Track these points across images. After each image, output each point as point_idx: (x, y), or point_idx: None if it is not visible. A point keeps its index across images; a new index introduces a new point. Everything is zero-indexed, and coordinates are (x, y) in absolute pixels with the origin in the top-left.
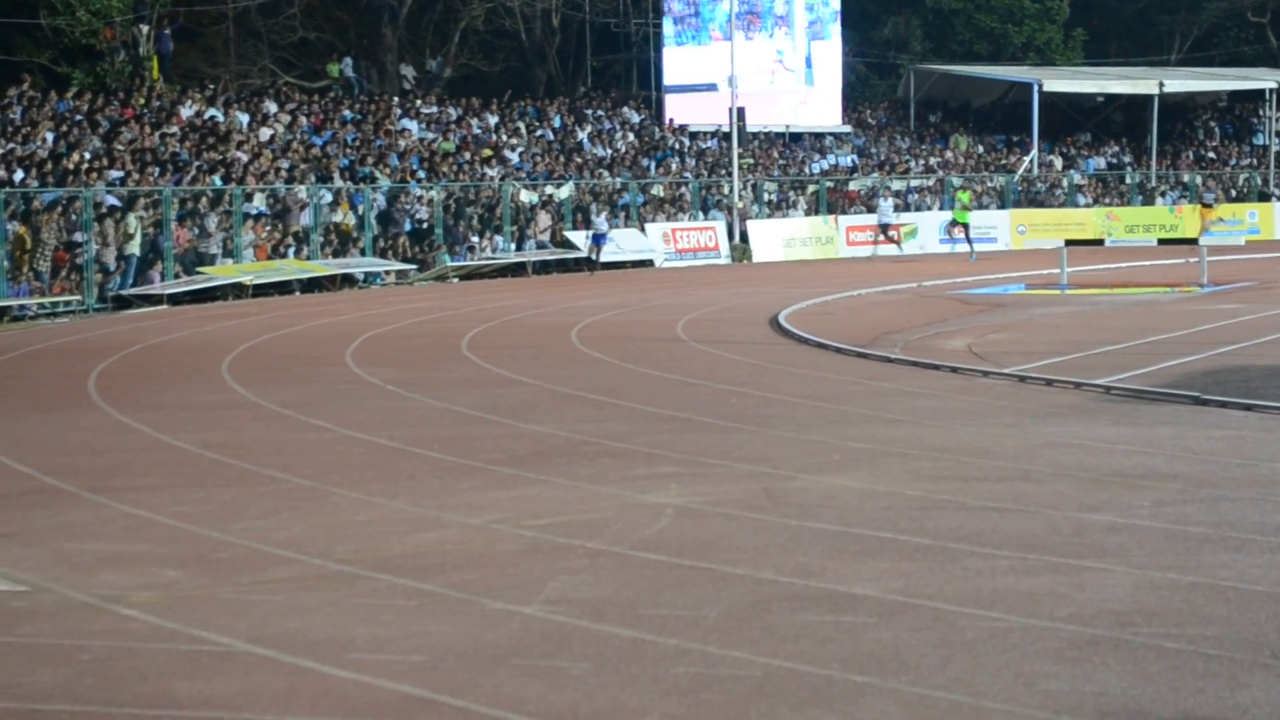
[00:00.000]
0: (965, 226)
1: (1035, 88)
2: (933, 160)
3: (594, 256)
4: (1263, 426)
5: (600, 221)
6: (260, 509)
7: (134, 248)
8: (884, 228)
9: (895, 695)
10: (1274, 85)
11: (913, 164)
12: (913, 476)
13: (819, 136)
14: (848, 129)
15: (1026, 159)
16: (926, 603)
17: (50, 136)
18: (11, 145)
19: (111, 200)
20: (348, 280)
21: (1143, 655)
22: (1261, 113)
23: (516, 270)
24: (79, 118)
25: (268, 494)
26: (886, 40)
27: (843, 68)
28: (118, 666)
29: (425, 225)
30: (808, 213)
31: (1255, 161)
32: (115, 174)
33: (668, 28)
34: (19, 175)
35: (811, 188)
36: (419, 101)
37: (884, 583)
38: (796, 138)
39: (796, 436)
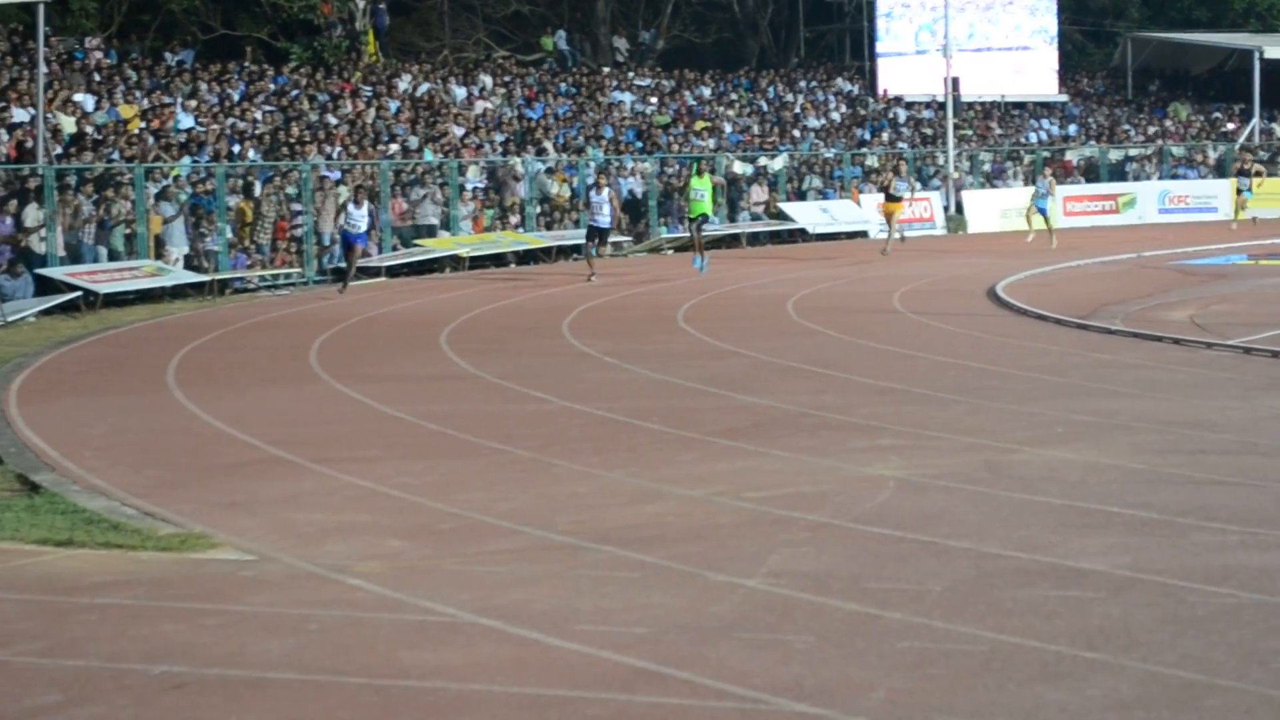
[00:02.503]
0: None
1: (1256, 55)
2: (1151, 129)
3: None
4: None
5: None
6: (482, 480)
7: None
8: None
9: (1125, 672)
10: None
11: (1131, 132)
12: (1137, 450)
13: (1036, 106)
14: (1064, 98)
15: (1247, 128)
16: (1155, 578)
17: (269, 111)
18: (231, 120)
19: (329, 173)
20: (562, 252)
21: None
22: None
23: (730, 242)
24: (296, 92)
25: (489, 465)
26: (1103, 8)
27: (1059, 36)
28: (345, 636)
29: (639, 197)
30: (1025, 183)
31: None
32: (332, 148)
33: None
34: (237, 149)
35: (1028, 157)
36: (632, 74)
37: (1111, 557)
38: (1013, 107)
39: (1017, 409)
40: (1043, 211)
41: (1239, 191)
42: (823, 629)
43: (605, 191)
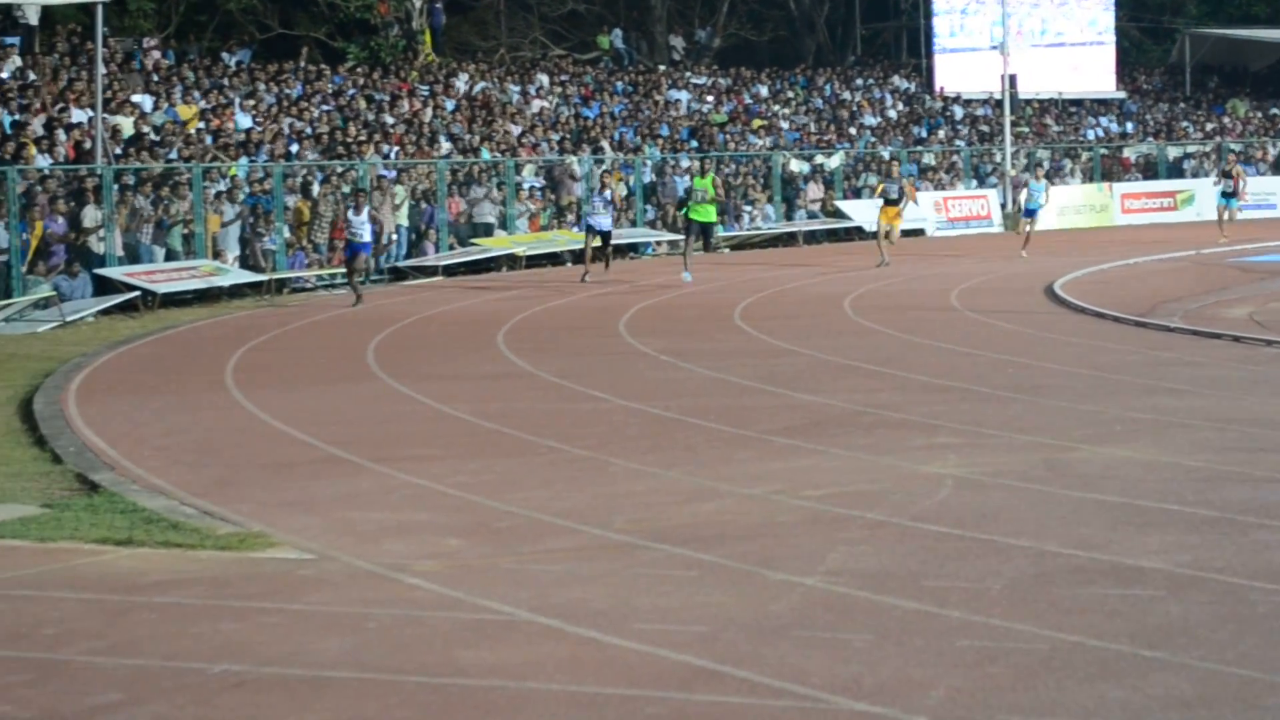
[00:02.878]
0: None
1: None
2: (1209, 126)
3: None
4: None
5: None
6: (539, 479)
7: (402, 218)
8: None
9: (1186, 670)
10: None
11: (1189, 129)
12: (1196, 447)
13: (1093, 103)
14: (1122, 95)
15: None
16: (1216, 576)
17: (326, 110)
18: (290, 119)
19: (386, 173)
20: (618, 251)
21: None
22: None
23: (786, 240)
24: (353, 92)
25: (546, 464)
26: (1161, 4)
27: (1116, 33)
28: (403, 634)
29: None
30: (1082, 180)
31: None
32: (389, 148)
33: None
34: (295, 148)
35: (1085, 154)
36: (688, 72)
37: (1171, 555)
38: (1071, 104)
39: (1075, 407)
40: (1032, 214)
41: (1225, 196)
42: (881, 627)
43: (608, 192)
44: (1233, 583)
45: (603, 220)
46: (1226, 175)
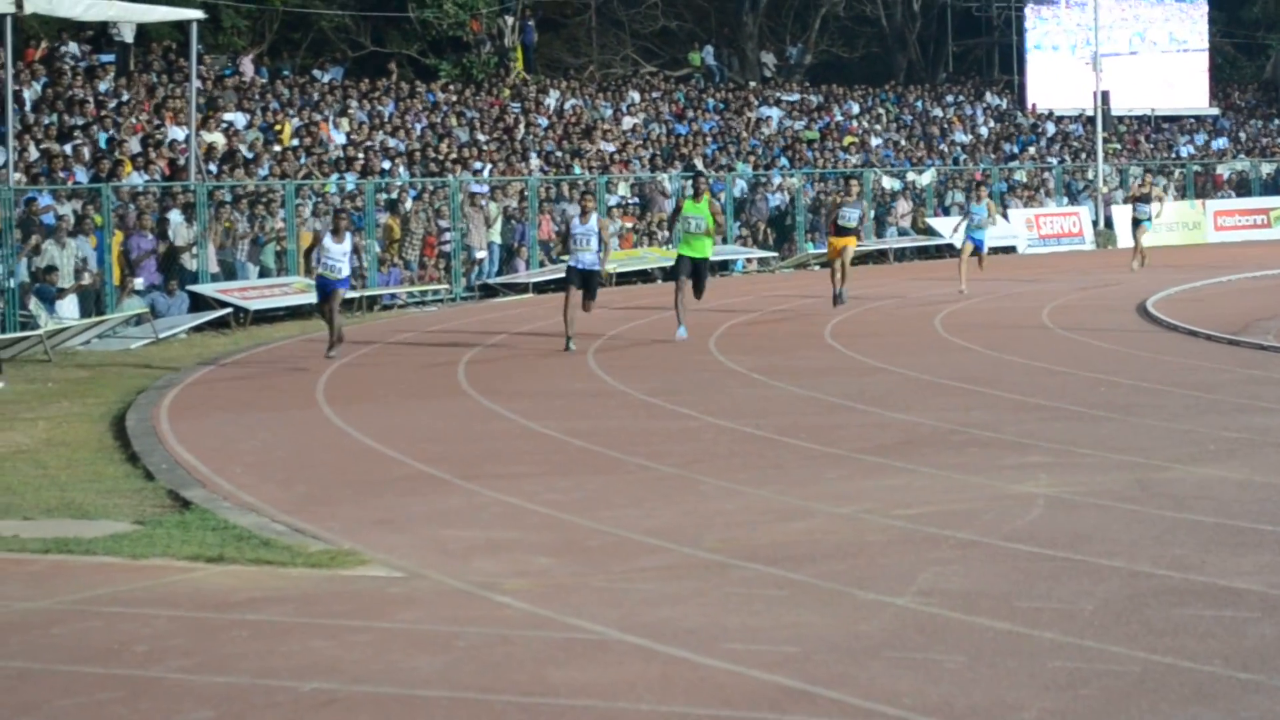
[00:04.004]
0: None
1: None
2: None
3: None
4: None
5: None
6: (629, 497)
7: (495, 235)
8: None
9: None
10: None
11: None
12: None
13: (1188, 119)
14: (1215, 111)
15: None
16: None
17: (419, 127)
18: (382, 136)
19: (478, 188)
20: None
21: None
22: None
23: (877, 258)
24: (446, 109)
25: (636, 482)
26: (1256, 19)
27: (1210, 49)
28: (494, 653)
29: (786, 212)
30: (1175, 197)
31: None
32: (481, 164)
33: (1029, 10)
34: (387, 165)
35: (1178, 171)
36: (779, 89)
37: (1266, 577)
38: (1163, 120)
39: (1168, 426)
40: (978, 244)
41: (1136, 223)
42: (973, 648)
43: (593, 219)
44: None
45: (584, 257)
46: (1142, 200)
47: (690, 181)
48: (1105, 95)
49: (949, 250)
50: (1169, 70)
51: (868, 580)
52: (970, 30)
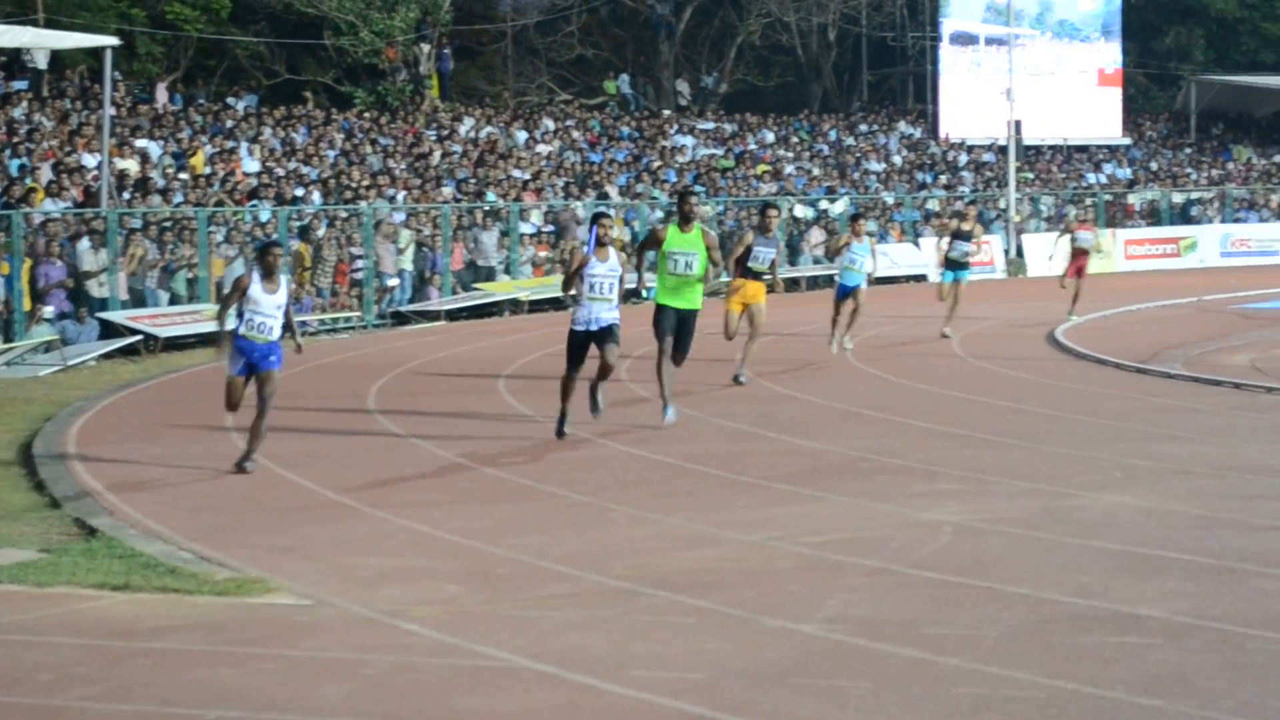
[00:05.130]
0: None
1: None
2: (1214, 172)
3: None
4: None
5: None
6: (538, 524)
7: (406, 263)
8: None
9: (1182, 719)
10: None
11: (1194, 176)
12: (1196, 495)
13: (1100, 149)
14: (1127, 141)
15: None
16: (1213, 624)
17: (332, 155)
18: (295, 164)
19: (397, 217)
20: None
21: None
22: None
23: (790, 285)
24: (360, 137)
25: (545, 509)
26: (1168, 50)
27: (1123, 79)
28: (400, 681)
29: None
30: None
31: None
32: (395, 191)
33: (944, 42)
34: (300, 192)
35: (1090, 201)
36: (695, 118)
37: (1169, 603)
38: (1076, 150)
39: (1076, 453)
40: (847, 291)
41: (953, 267)
42: (878, 675)
43: (613, 256)
44: (1230, 631)
45: (602, 314)
46: (960, 236)
47: (677, 203)
48: (1018, 125)
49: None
50: (1082, 101)
51: (775, 607)
52: (885, 60)
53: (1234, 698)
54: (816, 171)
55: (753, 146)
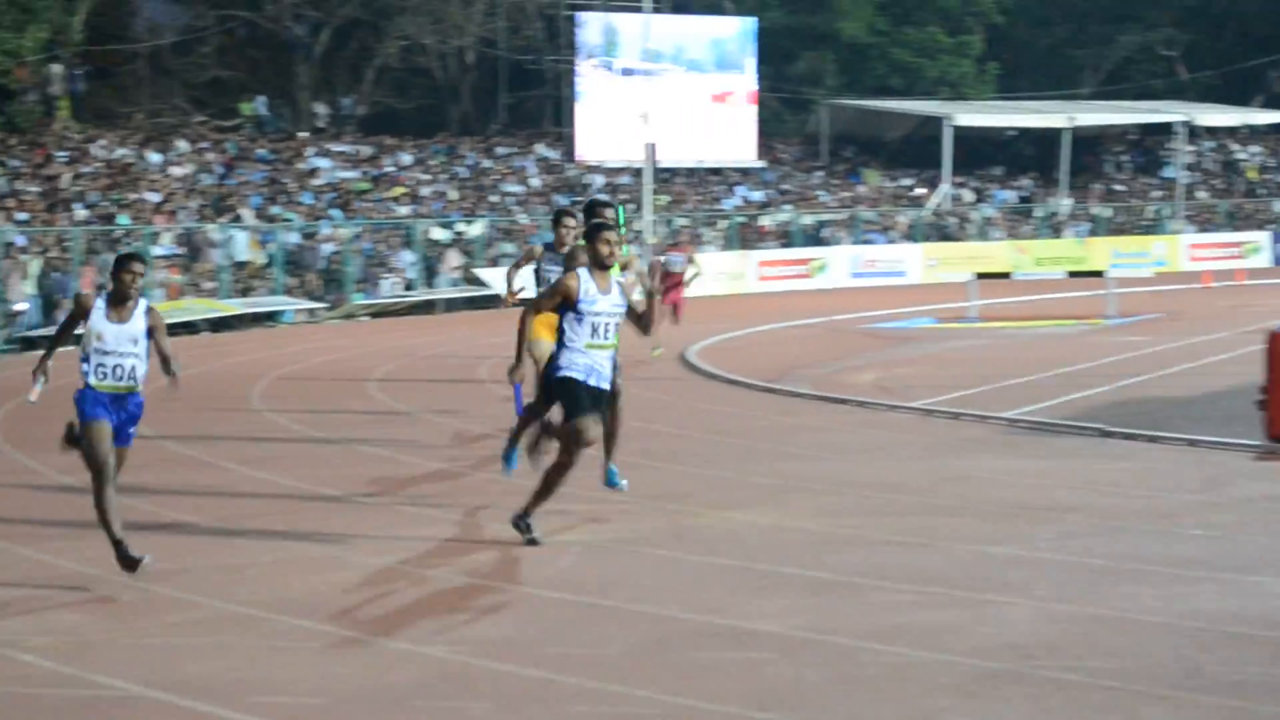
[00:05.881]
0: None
1: (946, 122)
2: (844, 194)
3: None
4: (1167, 458)
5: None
6: (161, 552)
7: (29, 287)
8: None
9: None
10: (1182, 119)
11: (825, 198)
12: (818, 511)
13: (734, 171)
14: (762, 164)
15: (936, 194)
16: (828, 638)
17: None
18: None
19: (19, 240)
20: (256, 319)
21: (1043, 688)
22: (1169, 145)
23: (425, 308)
24: None
25: (168, 537)
26: (801, 75)
27: (757, 103)
28: (15, 714)
29: (335, 264)
30: (720, 248)
31: (1165, 193)
32: (23, 215)
33: (582, 66)
34: None
35: (724, 223)
36: (332, 140)
37: (786, 619)
38: (710, 173)
39: (704, 472)
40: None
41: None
42: (499, 696)
43: (615, 287)
44: (844, 644)
45: (603, 366)
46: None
47: (586, 234)
48: (652, 147)
49: (498, 300)
50: (717, 125)
51: (399, 630)
52: (524, 83)
53: (845, 708)
54: (454, 194)
55: (390, 169)
